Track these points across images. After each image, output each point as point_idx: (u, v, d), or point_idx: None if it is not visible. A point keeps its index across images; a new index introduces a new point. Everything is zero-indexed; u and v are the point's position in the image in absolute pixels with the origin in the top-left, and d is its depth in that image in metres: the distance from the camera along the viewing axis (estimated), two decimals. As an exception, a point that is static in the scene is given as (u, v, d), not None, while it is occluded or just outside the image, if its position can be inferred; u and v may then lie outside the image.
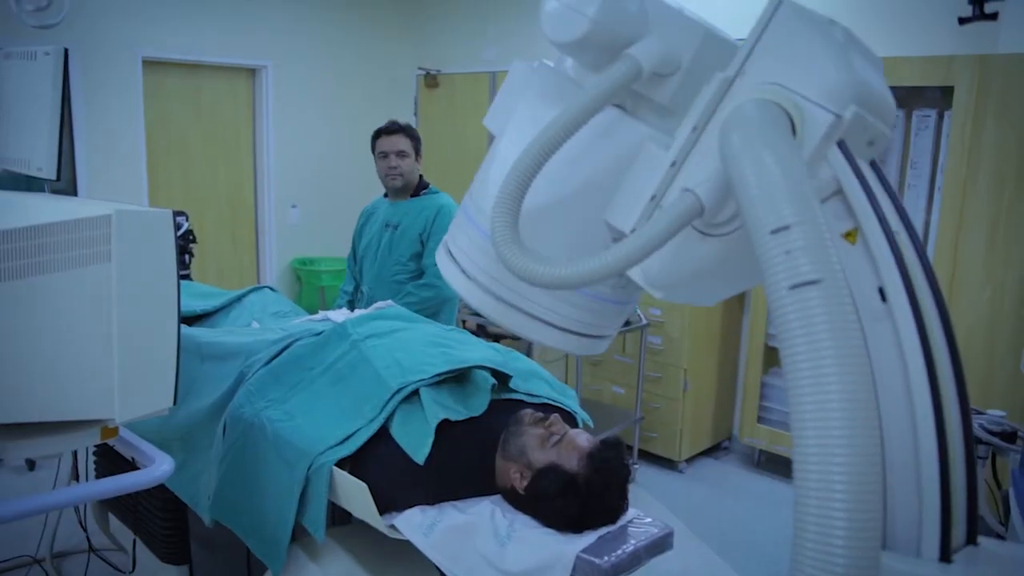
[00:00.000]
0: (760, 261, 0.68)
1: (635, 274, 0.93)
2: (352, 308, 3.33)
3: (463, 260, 1.07)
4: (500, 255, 0.86)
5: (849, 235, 0.81)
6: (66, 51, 1.98)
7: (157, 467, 1.56)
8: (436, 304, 3.29)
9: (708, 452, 4.59)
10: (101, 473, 2.67)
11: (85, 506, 2.87)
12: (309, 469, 1.72)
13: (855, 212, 0.80)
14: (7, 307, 1.27)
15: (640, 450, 4.33)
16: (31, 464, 3.87)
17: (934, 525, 0.80)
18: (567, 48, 0.95)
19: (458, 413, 1.75)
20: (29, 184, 2.41)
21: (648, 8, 0.92)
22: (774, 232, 0.67)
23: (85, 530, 2.89)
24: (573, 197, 0.99)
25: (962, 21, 2.20)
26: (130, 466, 2.29)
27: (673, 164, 0.87)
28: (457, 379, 1.88)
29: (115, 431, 1.48)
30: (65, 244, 1.30)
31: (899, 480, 0.80)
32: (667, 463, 4.39)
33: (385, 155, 3.35)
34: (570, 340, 1.07)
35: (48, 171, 2.06)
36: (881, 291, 0.79)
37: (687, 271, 0.88)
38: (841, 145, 0.79)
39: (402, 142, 3.34)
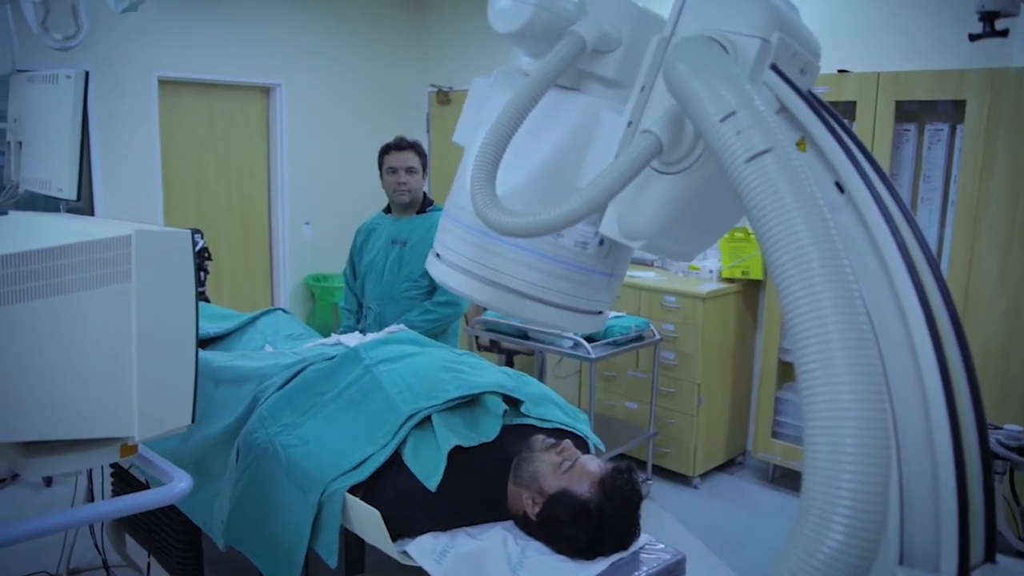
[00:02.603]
0: (716, 152, 0.74)
1: (611, 229, 0.97)
2: (361, 328, 3.33)
3: (450, 256, 1.12)
4: (483, 217, 0.91)
5: (799, 144, 0.88)
6: (87, 74, 2.02)
7: (175, 484, 1.56)
8: (452, 319, 3.30)
9: (722, 467, 4.57)
10: (118, 494, 2.68)
11: (102, 526, 2.88)
12: (322, 495, 1.72)
13: (799, 120, 0.87)
14: (29, 327, 1.29)
15: (654, 466, 4.31)
16: (48, 481, 3.90)
17: (952, 540, 0.79)
18: (515, 37, 1.05)
19: (470, 439, 1.75)
20: (46, 203, 2.45)
21: None
22: (723, 120, 0.73)
23: (101, 552, 2.90)
24: (542, 172, 1.05)
25: (972, 38, 2.20)
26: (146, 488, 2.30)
27: (630, 124, 0.94)
28: (469, 404, 1.88)
29: (134, 448, 1.49)
30: (86, 264, 1.31)
31: (916, 491, 0.80)
32: (681, 479, 4.38)
33: (394, 171, 3.33)
34: (563, 316, 1.10)
35: (68, 192, 2.09)
36: (838, 184, 0.85)
37: (658, 216, 0.93)
38: (774, 68, 0.87)
39: (411, 158, 3.34)
